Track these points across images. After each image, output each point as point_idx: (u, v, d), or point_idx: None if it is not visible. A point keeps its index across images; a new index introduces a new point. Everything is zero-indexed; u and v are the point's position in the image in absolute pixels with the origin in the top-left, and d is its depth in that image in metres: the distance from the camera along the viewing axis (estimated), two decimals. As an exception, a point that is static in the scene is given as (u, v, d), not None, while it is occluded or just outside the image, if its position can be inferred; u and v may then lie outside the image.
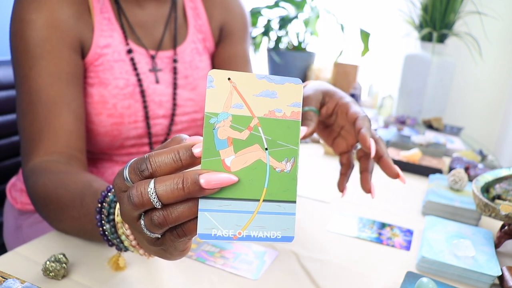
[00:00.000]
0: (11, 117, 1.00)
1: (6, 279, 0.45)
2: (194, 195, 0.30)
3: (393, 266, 0.58)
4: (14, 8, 0.66)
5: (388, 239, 0.65)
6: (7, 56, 0.95)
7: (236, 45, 0.88)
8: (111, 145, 0.76)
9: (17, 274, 0.49)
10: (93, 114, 0.72)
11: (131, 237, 0.42)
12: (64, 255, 0.50)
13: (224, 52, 0.87)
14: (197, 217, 0.31)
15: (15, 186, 0.86)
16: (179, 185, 0.30)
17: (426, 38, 1.51)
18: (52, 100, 0.65)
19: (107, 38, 0.73)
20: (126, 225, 0.42)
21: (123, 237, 0.44)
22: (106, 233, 0.46)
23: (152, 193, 0.30)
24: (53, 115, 0.65)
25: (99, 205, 0.46)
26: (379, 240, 0.65)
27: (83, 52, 0.71)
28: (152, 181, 0.31)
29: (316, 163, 0.98)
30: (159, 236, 0.34)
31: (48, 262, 0.48)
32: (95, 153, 0.78)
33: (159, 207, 0.31)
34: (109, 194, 0.46)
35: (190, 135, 0.83)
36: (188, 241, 0.36)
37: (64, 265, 0.49)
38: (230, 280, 0.52)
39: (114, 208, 0.45)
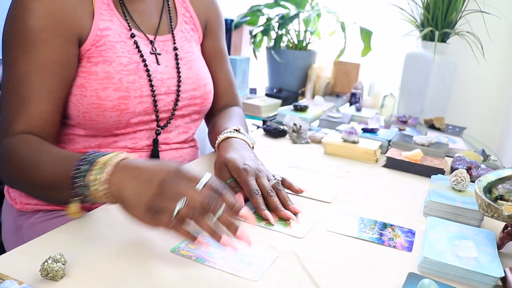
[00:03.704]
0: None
1: (4, 280, 0.45)
2: None
3: (395, 267, 0.58)
4: None
5: (389, 240, 0.65)
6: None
7: (218, 41, 1.01)
8: (119, 121, 0.78)
9: (15, 275, 0.48)
10: (100, 90, 0.76)
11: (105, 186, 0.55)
12: (62, 255, 0.49)
13: (210, 48, 0.99)
14: None
15: (14, 186, 0.86)
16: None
17: (428, 37, 1.51)
18: (35, 88, 0.70)
19: (106, 22, 0.78)
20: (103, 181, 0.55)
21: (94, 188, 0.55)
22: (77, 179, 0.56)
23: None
24: (33, 102, 0.70)
25: (80, 163, 0.57)
26: (380, 241, 0.64)
27: (82, 37, 0.75)
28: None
29: (316, 163, 0.98)
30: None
31: (46, 263, 0.48)
32: (103, 136, 0.81)
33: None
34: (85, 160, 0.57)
35: (190, 113, 0.93)
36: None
37: (62, 266, 0.48)
38: (230, 281, 0.52)
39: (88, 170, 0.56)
